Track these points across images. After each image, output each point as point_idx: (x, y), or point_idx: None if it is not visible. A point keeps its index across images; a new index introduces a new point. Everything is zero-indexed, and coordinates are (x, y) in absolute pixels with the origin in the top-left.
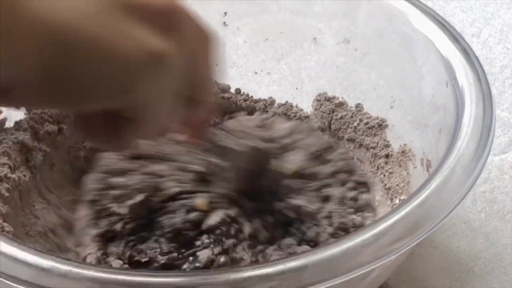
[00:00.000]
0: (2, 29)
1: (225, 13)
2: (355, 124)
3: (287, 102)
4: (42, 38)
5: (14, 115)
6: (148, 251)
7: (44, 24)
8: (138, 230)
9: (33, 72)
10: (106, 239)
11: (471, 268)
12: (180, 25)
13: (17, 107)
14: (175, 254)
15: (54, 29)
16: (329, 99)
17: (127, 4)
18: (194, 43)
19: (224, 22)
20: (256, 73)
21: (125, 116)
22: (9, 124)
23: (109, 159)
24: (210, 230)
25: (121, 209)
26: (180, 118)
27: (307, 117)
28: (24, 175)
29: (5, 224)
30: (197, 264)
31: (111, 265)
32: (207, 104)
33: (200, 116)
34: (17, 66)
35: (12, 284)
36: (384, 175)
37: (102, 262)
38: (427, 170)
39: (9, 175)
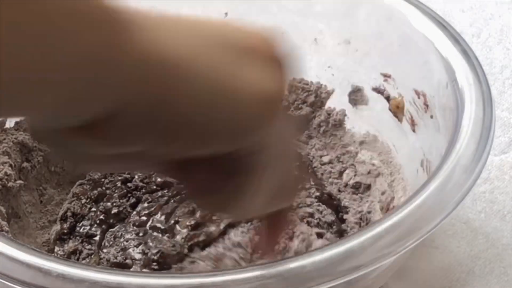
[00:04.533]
0: (101, 65)
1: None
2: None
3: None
4: (143, 75)
5: None
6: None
7: (146, 60)
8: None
9: (133, 107)
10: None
11: (471, 268)
12: (287, 72)
13: (109, 146)
14: None
15: (155, 66)
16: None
17: (238, 45)
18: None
19: None
20: None
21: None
22: (9, 124)
23: None
24: None
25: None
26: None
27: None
28: (24, 175)
29: (3, 223)
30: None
31: (110, 266)
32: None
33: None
34: (116, 100)
35: (12, 284)
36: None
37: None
38: (427, 171)
39: (9, 172)
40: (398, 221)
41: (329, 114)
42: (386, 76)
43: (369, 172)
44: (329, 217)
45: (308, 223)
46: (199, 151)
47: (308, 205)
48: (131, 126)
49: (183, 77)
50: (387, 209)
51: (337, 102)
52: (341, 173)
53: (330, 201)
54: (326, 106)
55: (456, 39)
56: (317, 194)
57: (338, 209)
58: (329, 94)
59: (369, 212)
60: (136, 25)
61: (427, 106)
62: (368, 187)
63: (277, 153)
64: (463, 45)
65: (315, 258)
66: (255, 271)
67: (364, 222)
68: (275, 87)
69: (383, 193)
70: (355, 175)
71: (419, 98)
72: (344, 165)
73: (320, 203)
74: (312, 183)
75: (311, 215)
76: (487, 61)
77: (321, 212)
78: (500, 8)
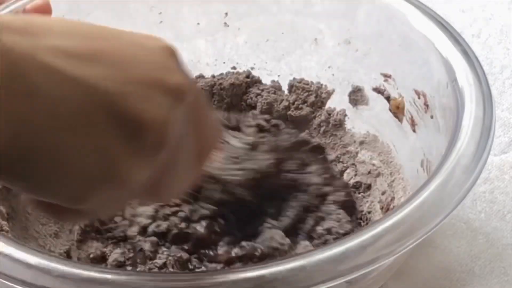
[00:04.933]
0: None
1: (226, 14)
2: None
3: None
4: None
5: None
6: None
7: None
8: None
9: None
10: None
11: (471, 268)
12: (160, 147)
13: None
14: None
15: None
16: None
17: (116, 114)
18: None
19: (225, 23)
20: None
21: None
22: None
23: None
24: None
25: None
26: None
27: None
28: None
29: (3, 223)
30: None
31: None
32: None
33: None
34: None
35: (12, 284)
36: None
37: None
38: (427, 171)
39: None
40: (398, 221)
41: (329, 114)
42: (386, 76)
43: (369, 172)
44: (347, 226)
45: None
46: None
47: (328, 215)
48: None
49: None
50: (387, 209)
51: (337, 102)
52: (341, 173)
53: (352, 209)
54: (326, 106)
55: (456, 39)
56: (341, 199)
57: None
58: (329, 94)
59: (369, 212)
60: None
61: (427, 106)
62: (369, 187)
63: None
64: (463, 45)
65: (315, 258)
66: (255, 271)
67: (364, 222)
68: (127, 166)
69: (383, 193)
70: (355, 175)
71: (419, 98)
72: (344, 165)
73: (341, 210)
74: (338, 187)
75: (329, 231)
76: (487, 61)
77: (339, 221)
78: (500, 8)
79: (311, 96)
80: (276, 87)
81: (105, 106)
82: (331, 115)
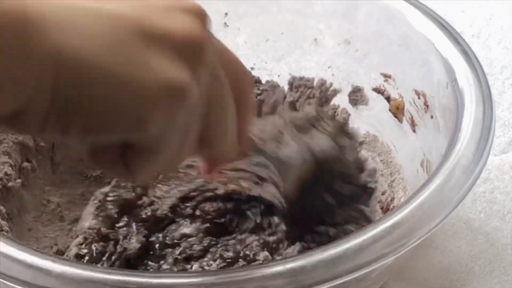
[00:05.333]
0: (14, 61)
1: (226, 14)
2: None
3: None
4: (54, 70)
5: None
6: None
7: (56, 56)
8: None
9: (46, 100)
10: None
11: (471, 268)
12: (203, 59)
13: (31, 134)
14: None
15: (66, 61)
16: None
17: (148, 33)
18: (219, 82)
19: (225, 23)
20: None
21: (138, 149)
22: None
23: None
24: None
25: None
26: (191, 156)
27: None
28: (25, 175)
29: (3, 223)
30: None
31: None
32: (223, 149)
33: (216, 159)
34: (30, 93)
35: (12, 284)
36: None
37: None
38: (427, 171)
39: (9, 172)
40: (398, 221)
41: (334, 112)
42: (386, 76)
43: None
44: None
45: None
46: (103, 137)
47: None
48: (45, 116)
49: (84, 73)
50: (387, 209)
51: (337, 102)
52: None
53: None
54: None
55: (456, 39)
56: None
57: None
58: (336, 92)
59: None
60: (47, 21)
61: (427, 106)
62: None
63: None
64: (463, 45)
65: (315, 258)
66: (255, 271)
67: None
68: (182, 76)
69: (383, 193)
70: None
71: (419, 98)
72: None
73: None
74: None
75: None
76: (487, 61)
77: None
78: (500, 8)
79: (316, 92)
80: (273, 85)
81: (137, 31)
82: (336, 113)
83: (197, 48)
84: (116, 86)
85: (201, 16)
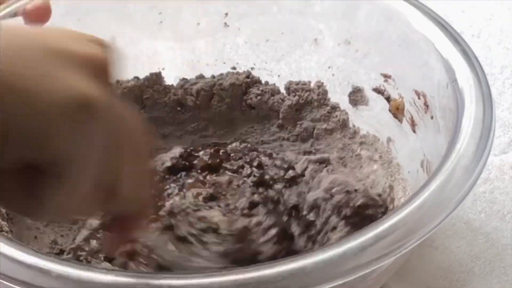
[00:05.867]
0: None
1: (226, 14)
2: None
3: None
4: None
5: None
6: None
7: None
8: None
9: None
10: None
11: (471, 268)
12: (108, 77)
13: None
14: None
15: None
16: None
17: (56, 52)
18: (128, 124)
19: (225, 23)
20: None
21: (43, 173)
22: None
23: None
24: None
25: None
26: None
27: None
28: None
29: (3, 223)
30: None
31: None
32: (137, 204)
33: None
34: None
35: (12, 285)
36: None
37: None
38: (427, 171)
39: None
40: (398, 221)
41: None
42: (386, 77)
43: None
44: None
45: None
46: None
47: None
48: None
49: None
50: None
51: (337, 102)
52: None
53: None
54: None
55: (456, 39)
56: None
57: None
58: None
59: None
60: None
61: (427, 106)
62: None
63: (98, 156)
64: (463, 45)
65: (315, 259)
66: (255, 272)
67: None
68: (89, 90)
69: (383, 193)
70: None
71: (419, 98)
72: None
73: None
74: None
75: None
76: (487, 61)
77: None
78: (500, 8)
79: (314, 94)
80: (274, 90)
81: (47, 49)
82: (336, 113)
83: (102, 66)
84: (23, 97)
85: (105, 46)
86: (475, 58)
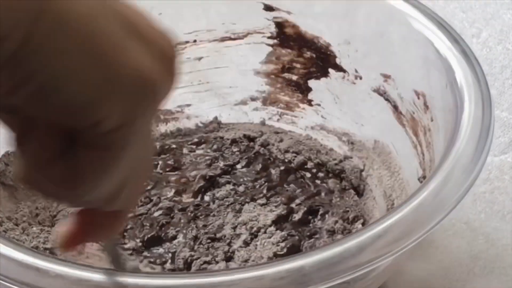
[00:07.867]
0: None
1: (226, 14)
2: None
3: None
4: (38, 9)
5: None
6: None
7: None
8: None
9: (16, 40)
10: None
11: (471, 268)
12: (173, 72)
13: None
14: None
15: (54, 5)
16: None
17: (134, 27)
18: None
19: (225, 23)
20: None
21: (89, 143)
22: None
23: None
24: None
25: None
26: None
27: None
28: None
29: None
30: None
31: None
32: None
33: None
34: (5, 25)
35: (11, 285)
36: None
37: None
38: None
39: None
40: (397, 221)
41: None
42: (386, 77)
43: None
44: None
45: None
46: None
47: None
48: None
49: (73, 26)
50: (387, 209)
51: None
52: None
53: None
54: None
55: (456, 39)
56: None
57: None
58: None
59: None
60: None
61: (427, 106)
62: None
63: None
64: (463, 45)
65: (314, 258)
66: (254, 271)
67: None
68: (154, 78)
69: (383, 194)
70: None
71: (418, 98)
72: None
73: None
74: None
75: None
76: (487, 61)
77: None
78: (500, 8)
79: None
80: None
81: (125, 22)
82: None
83: (171, 62)
84: (92, 53)
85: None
86: (474, 58)
